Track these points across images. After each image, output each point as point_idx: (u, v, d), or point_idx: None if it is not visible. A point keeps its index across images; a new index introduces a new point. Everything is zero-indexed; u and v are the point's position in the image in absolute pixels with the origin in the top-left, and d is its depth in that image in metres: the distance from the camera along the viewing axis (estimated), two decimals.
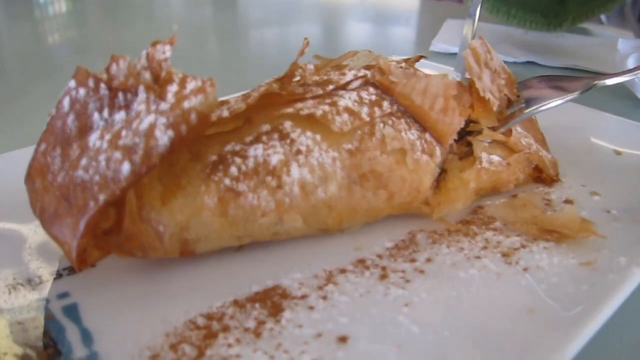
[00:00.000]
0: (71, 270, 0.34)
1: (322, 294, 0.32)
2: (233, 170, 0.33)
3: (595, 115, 0.54)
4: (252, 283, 0.33)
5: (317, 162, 0.35)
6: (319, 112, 0.35)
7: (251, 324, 0.30)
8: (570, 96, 0.42)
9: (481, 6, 0.79)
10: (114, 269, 0.34)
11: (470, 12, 0.56)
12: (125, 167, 0.29)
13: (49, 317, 0.30)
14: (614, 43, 0.68)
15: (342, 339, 0.29)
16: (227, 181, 0.33)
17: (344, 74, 0.40)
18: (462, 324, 0.30)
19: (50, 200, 0.30)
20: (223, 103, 0.36)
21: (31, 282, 0.32)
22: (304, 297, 0.32)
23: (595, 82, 0.43)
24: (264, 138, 0.34)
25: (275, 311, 0.31)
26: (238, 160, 0.33)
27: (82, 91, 0.32)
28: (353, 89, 0.38)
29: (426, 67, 0.65)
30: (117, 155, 0.29)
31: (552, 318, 0.29)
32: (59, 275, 0.33)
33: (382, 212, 0.38)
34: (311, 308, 0.31)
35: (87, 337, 0.29)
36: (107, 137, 0.30)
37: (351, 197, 0.36)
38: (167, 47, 0.32)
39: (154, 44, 0.32)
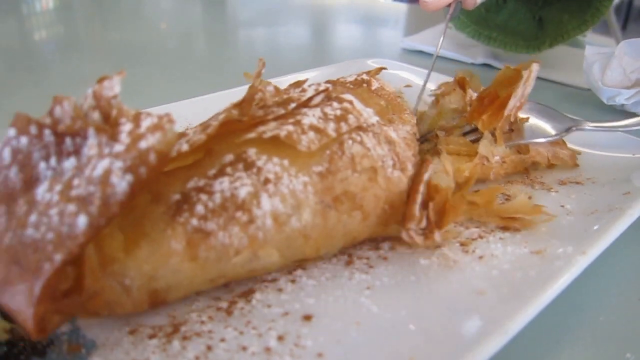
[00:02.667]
0: None
1: (291, 278, 0.35)
2: (199, 208, 0.31)
3: None
4: None
5: (287, 190, 0.33)
6: (283, 133, 0.34)
7: (223, 304, 0.33)
8: (555, 137, 0.49)
9: (462, 30, 0.83)
10: None
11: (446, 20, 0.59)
12: (82, 221, 0.26)
13: None
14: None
15: (307, 317, 0.31)
16: (194, 221, 0.31)
17: (304, 91, 0.39)
18: (418, 304, 0.32)
19: None
20: (180, 135, 0.34)
21: None
22: (274, 280, 0.35)
23: (577, 127, 0.49)
24: (228, 169, 0.32)
25: (247, 293, 0.33)
26: (204, 197, 0.31)
27: (24, 140, 0.29)
28: (316, 105, 0.37)
29: (397, 69, 0.68)
30: (71, 207, 0.26)
31: (500, 299, 0.32)
32: None
33: (360, 236, 0.37)
34: (280, 290, 0.34)
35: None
36: (58, 188, 0.27)
37: (327, 222, 0.34)
38: (116, 82, 0.29)
39: (101, 80, 0.29)
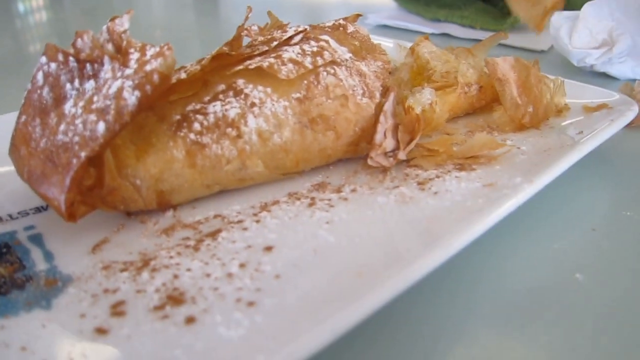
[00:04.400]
0: (37, 210, 0.38)
1: (256, 219, 0.37)
2: (196, 126, 0.37)
3: None
4: (196, 214, 0.38)
5: (270, 112, 0.39)
6: (265, 64, 0.39)
7: (191, 242, 0.35)
8: None
9: (433, 15, 0.89)
10: None
11: None
12: (101, 126, 0.32)
13: (16, 243, 0.35)
14: None
15: (268, 249, 0.34)
16: (192, 136, 0.37)
17: (285, 31, 0.45)
18: (371, 232, 0.34)
19: (36, 163, 0.34)
20: (180, 68, 0.40)
21: (1, 219, 0.37)
22: (240, 222, 0.37)
23: None
24: (221, 96, 0.38)
25: (214, 233, 0.36)
26: (200, 117, 0.38)
27: (53, 65, 0.36)
28: (296, 44, 0.43)
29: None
30: (92, 117, 0.32)
31: (447, 223, 0.34)
32: (25, 214, 0.38)
33: (335, 154, 0.43)
34: (245, 229, 0.36)
35: (48, 256, 0.34)
36: (81, 104, 0.34)
37: (304, 139, 0.40)
38: (125, 19, 0.36)
39: (113, 19, 0.36)
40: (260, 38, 0.45)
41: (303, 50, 0.42)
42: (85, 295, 0.30)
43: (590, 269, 0.36)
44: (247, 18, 0.45)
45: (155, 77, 0.32)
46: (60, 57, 0.36)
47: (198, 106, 0.38)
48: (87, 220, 0.37)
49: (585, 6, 0.67)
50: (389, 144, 0.41)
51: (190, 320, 0.28)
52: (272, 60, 0.40)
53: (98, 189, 0.35)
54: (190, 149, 0.37)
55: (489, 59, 0.50)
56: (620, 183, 0.46)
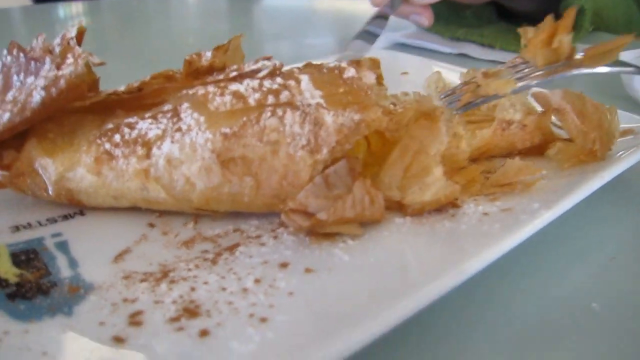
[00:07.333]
0: (64, 217, 0.40)
1: (274, 235, 0.38)
2: (116, 137, 0.39)
3: None
4: (216, 228, 0.39)
5: (189, 141, 0.38)
6: (200, 92, 0.39)
7: (210, 255, 0.36)
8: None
9: (452, 34, 0.88)
10: (103, 217, 0.40)
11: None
12: (5, 116, 0.38)
13: (44, 249, 0.36)
14: None
15: (284, 265, 0.34)
16: (107, 145, 0.39)
17: (256, 63, 0.41)
18: (387, 253, 0.35)
19: None
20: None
21: (31, 225, 0.39)
22: (258, 237, 0.38)
23: None
24: (160, 115, 0.39)
25: (232, 247, 0.37)
26: (126, 130, 0.39)
27: (9, 58, 0.41)
28: (260, 77, 0.40)
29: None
30: (8, 107, 0.38)
31: (462, 246, 0.34)
32: (54, 221, 0.39)
33: (254, 203, 0.38)
34: (262, 244, 0.37)
35: (73, 263, 0.35)
36: (16, 94, 0.39)
37: (210, 178, 0.37)
38: (73, 30, 0.39)
39: (68, 28, 0.40)
40: (234, 66, 0.42)
41: (261, 85, 0.39)
42: (105, 303, 0.32)
43: (607, 298, 0.35)
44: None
45: (62, 82, 0.37)
46: (15, 53, 0.41)
47: (134, 120, 0.39)
48: (110, 230, 0.39)
49: None
50: (313, 205, 0.36)
51: (204, 333, 0.29)
52: (212, 89, 0.39)
53: (8, 170, 0.39)
54: (100, 157, 0.39)
55: (537, 92, 0.48)
56: None
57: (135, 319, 0.30)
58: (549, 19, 0.43)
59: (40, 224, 0.39)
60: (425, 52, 0.89)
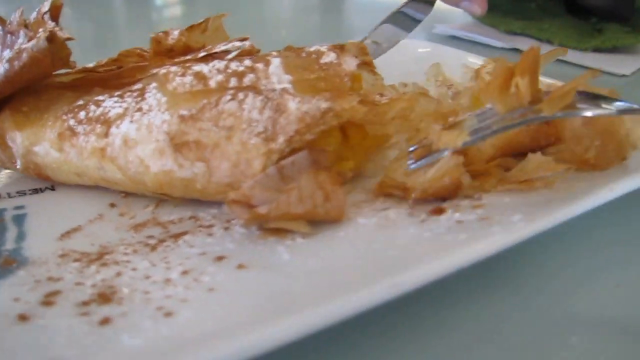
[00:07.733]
0: (34, 191, 0.40)
1: (226, 226, 0.36)
2: (82, 114, 0.38)
3: None
4: (174, 213, 0.38)
5: (147, 122, 0.36)
6: (162, 72, 0.37)
7: (153, 241, 0.35)
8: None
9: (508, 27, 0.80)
10: (71, 193, 0.40)
11: None
12: None
13: (0, 221, 0.37)
14: None
15: (219, 258, 0.32)
16: (71, 122, 0.38)
17: (227, 44, 0.40)
18: (331, 254, 0.32)
19: None
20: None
21: (0, 196, 0.40)
22: (209, 226, 0.36)
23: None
24: (128, 94, 0.38)
25: (179, 235, 0.35)
26: (93, 107, 0.38)
27: None
28: (228, 59, 0.38)
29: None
30: None
31: (410, 257, 0.30)
32: (23, 194, 0.40)
33: (207, 191, 0.36)
34: (210, 235, 0.35)
35: (20, 237, 0.35)
36: None
37: (163, 161, 0.36)
38: (47, 3, 0.39)
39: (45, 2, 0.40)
40: (209, 47, 0.41)
41: (227, 67, 0.37)
42: (30, 279, 0.31)
43: (611, 327, 0.30)
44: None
45: (24, 55, 0.37)
46: None
47: (103, 97, 0.39)
48: (72, 206, 0.39)
49: None
50: (258, 197, 0.33)
51: (105, 321, 0.27)
52: (175, 69, 0.37)
53: None
54: (63, 133, 0.38)
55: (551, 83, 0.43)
56: None
57: (49, 299, 0.29)
58: (501, 61, 0.37)
59: (9, 195, 0.40)
60: (477, 46, 0.83)
